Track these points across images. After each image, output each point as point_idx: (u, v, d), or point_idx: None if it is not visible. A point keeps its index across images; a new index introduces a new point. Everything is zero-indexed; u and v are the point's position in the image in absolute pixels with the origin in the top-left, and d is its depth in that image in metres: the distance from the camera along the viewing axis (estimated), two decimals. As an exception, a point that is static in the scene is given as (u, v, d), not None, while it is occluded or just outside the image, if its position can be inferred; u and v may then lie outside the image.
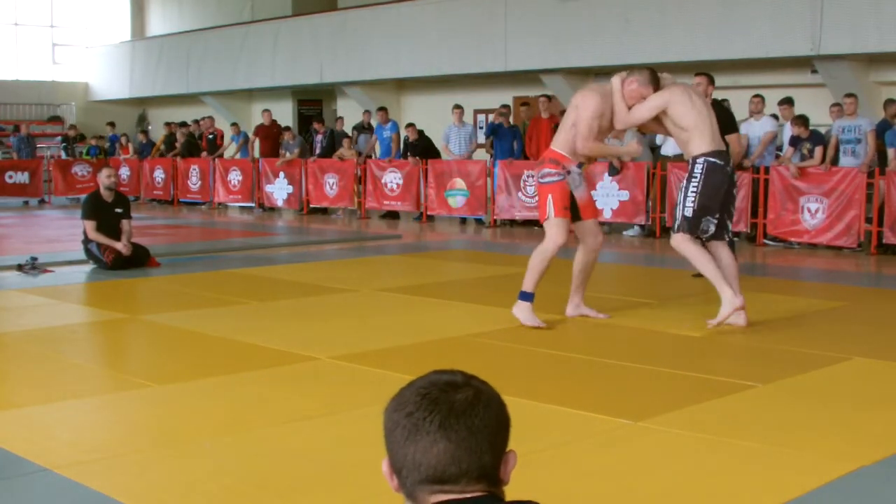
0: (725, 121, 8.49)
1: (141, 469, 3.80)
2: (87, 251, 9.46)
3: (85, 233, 9.44)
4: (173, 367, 5.49)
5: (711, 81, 8.44)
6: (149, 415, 4.62)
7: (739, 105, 13.00)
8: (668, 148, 13.21)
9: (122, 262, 9.24)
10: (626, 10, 15.22)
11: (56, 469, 3.69)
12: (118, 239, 9.31)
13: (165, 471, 3.77)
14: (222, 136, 19.08)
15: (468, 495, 1.49)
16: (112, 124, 22.58)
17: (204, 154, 18.96)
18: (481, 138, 16.35)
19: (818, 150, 11.51)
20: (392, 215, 16.02)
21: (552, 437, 4.13)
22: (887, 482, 3.63)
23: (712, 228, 6.48)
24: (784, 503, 3.38)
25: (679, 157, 13.05)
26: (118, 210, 9.44)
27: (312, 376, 5.24)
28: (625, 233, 13.42)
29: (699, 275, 8.75)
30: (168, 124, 20.71)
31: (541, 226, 15.30)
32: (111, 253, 9.25)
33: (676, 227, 6.49)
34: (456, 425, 1.49)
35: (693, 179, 6.28)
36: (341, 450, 3.95)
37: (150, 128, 23.93)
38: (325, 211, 17.02)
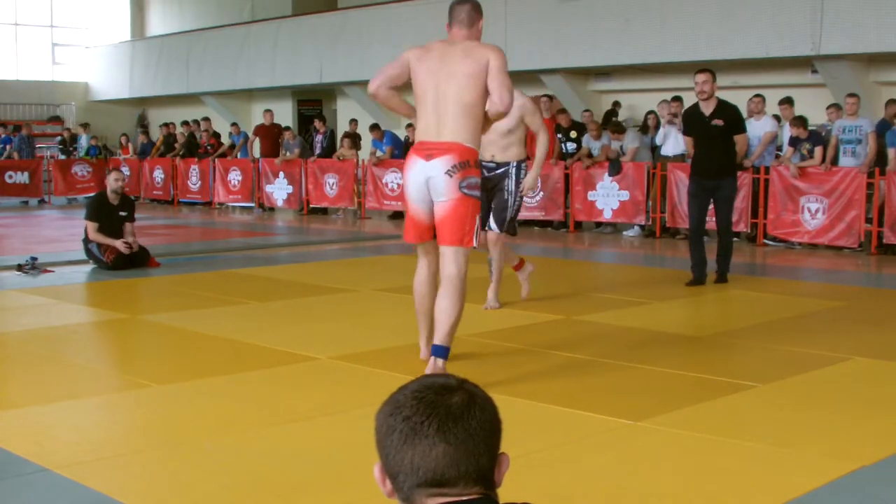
0: (735, 121, 8.34)
1: (141, 469, 3.80)
2: (88, 251, 9.46)
3: (86, 232, 9.44)
4: (173, 367, 5.49)
5: (714, 78, 8.35)
6: (149, 415, 4.62)
7: (739, 105, 13.02)
8: (668, 148, 13.22)
9: (123, 262, 9.25)
10: (626, 10, 15.22)
11: (56, 469, 3.69)
12: (117, 237, 9.32)
13: (165, 471, 3.77)
14: (214, 144, 19.04)
15: (465, 497, 1.49)
16: (125, 135, 22.44)
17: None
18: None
19: (818, 150, 11.51)
20: (392, 215, 16.02)
21: (552, 437, 4.13)
22: (887, 482, 3.63)
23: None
24: (784, 503, 3.38)
25: (679, 158, 13.08)
26: (122, 213, 9.45)
27: (312, 376, 5.24)
28: (625, 233, 13.42)
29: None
30: (166, 125, 20.69)
31: (539, 226, 15.16)
32: (112, 253, 9.26)
33: (505, 227, 6.93)
34: (454, 428, 1.49)
35: (518, 184, 6.84)
36: (341, 450, 3.95)
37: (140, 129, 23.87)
38: (325, 211, 17.02)
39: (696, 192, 8.47)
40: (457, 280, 4.99)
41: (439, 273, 5.11)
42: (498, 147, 6.69)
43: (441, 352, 4.96)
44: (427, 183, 4.99)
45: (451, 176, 4.94)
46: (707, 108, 8.25)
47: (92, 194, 9.92)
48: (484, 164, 6.67)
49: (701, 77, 8.24)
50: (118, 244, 9.25)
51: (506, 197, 6.87)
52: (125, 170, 20.35)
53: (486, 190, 6.71)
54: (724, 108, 8.29)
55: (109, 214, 9.37)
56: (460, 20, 5.05)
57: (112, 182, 9.47)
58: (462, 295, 5.02)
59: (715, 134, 8.22)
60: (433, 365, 4.95)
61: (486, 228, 6.91)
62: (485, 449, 1.51)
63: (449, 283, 4.99)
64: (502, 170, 6.78)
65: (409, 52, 5.08)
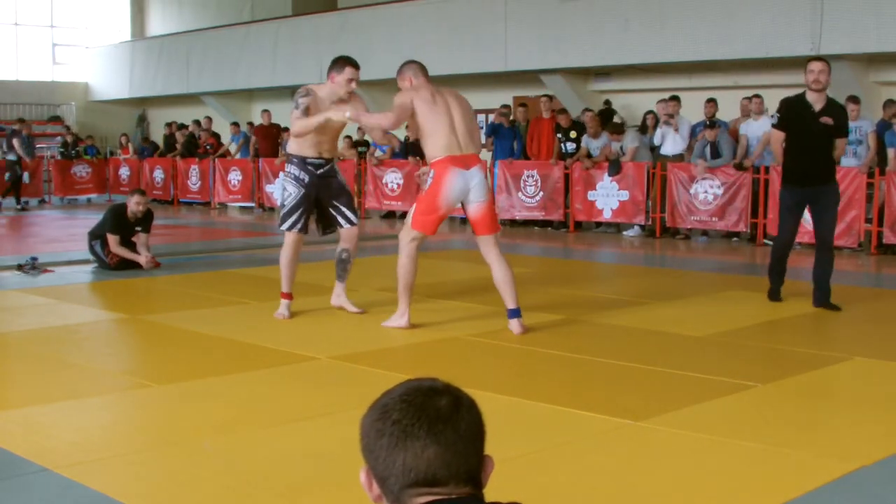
0: (844, 124, 7.33)
1: (141, 469, 3.80)
2: (91, 249, 9.46)
3: (93, 232, 9.44)
4: (173, 367, 5.49)
5: (830, 69, 7.24)
6: (149, 415, 4.62)
7: (739, 105, 13.04)
8: (667, 148, 13.22)
9: (124, 263, 9.24)
10: (626, 10, 15.21)
11: (56, 469, 3.69)
12: (132, 246, 9.34)
13: (165, 471, 3.77)
14: (213, 145, 19.06)
15: (454, 496, 1.50)
16: (125, 135, 22.33)
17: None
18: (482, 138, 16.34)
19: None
20: (392, 215, 16.01)
21: (552, 437, 4.13)
22: (887, 482, 3.63)
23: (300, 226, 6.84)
24: (784, 503, 3.38)
25: (678, 157, 13.08)
26: (138, 228, 9.45)
27: (312, 376, 5.24)
28: (625, 233, 13.43)
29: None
30: (169, 132, 20.69)
31: (539, 225, 15.18)
32: (117, 256, 9.25)
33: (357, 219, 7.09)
34: (445, 430, 1.50)
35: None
36: (341, 450, 3.94)
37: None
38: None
39: (791, 205, 7.31)
40: (503, 256, 6.32)
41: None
42: (329, 145, 6.89)
43: (519, 312, 6.25)
44: (468, 187, 6.22)
45: (486, 179, 6.38)
46: (817, 103, 7.13)
47: (113, 205, 9.91)
48: (311, 160, 6.77)
49: (817, 66, 7.10)
50: (141, 261, 9.23)
51: (347, 190, 7.09)
52: (125, 170, 20.40)
53: (319, 188, 6.81)
54: (835, 107, 7.27)
55: (127, 229, 9.38)
56: (426, 73, 6.45)
57: (133, 205, 9.35)
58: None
59: (820, 132, 7.13)
60: (519, 324, 6.22)
61: (341, 226, 6.99)
62: (473, 450, 1.53)
63: (502, 259, 6.29)
64: (329, 165, 6.89)
65: (409, 95, 6.30)
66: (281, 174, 7.07)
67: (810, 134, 7.11)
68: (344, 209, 6.97)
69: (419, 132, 6.45)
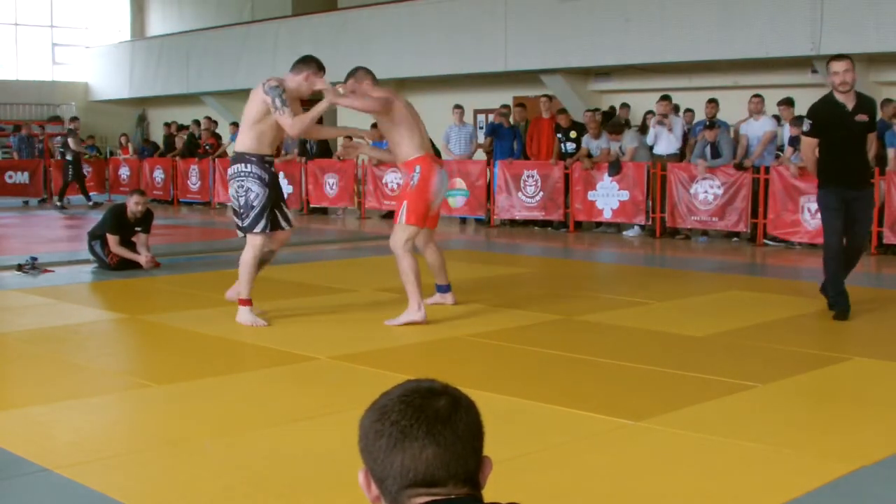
0: (874, 116, 7.11)
1: (141, 469, 3.80)
2: (91, 249, 9.46)
3: (93, 232, 9.44)
4: (173, 367, 5.49)
5: (854, 66, 6.86)
6: (149, 415, 4.62)
7: (739, 105, 13.04)
8: (661, 147, 13.21)
9: (124, 263, 9.25)
10: (626, 10, 15.22)
11: (56, 469, 3.69)
12: (132, 247, 9.35)
13: (165, 471, 3.77)
14: (214, 144, 19.08)
15: (453, 496, 1.50)
16: (125, 135, 22.39)
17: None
18: (480, 138, 16.35)
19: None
20: (385, 215, 16.00)
21: (552, 437, 4.13)
22: (887, 482, 3.63)
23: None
24: (784, 503, 3.38)
25: (673, 157, 13.08)
26: (138, 228, 9.45)
27: (312, 376, 5.24)
28: (625, 233, 13.42)
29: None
30: (168, 132, 20.69)
31: (539, 225, 15.18)
32: (117, 256, 9.25)
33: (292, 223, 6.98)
34: (443, 431, 1.50)
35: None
36: (341, 450, 3.94)
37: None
38: (324, 211, 17.01)
39: (836, 205, 6.87)
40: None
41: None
42: (278, 142, 6.96)
43: (451, 287, 7.25)
44: (445, 185, 6.82)
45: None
46: (848, 102, 6.77)
47: (112, 205, 9.92)
48: (268, 158, 6.61)
49: (841, 66, 6.67)
50: (141, 260, 9.23)
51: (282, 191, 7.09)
52: (125, 170, 20.39)
53: (271, 186, 6.62)
54: (867, 102, 6.89)
55: (127, 229, 9.38)
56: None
57: (132, 205, 9.34)
58: None
59: (858, 132, 6.81)
60: (453, 296, 7.21)
61: (282, 227, 6.81)
62: (471, 451, 1.53)
63: (437, 245, 7.23)
64: (274, 167, 6.78)
65: (390, 92, 6.85)
66: (234, 174, 6.68)
67: (847, 135, 6.80)
68: (286, 210, 6.87)
69: (394, 131, 6.68)
